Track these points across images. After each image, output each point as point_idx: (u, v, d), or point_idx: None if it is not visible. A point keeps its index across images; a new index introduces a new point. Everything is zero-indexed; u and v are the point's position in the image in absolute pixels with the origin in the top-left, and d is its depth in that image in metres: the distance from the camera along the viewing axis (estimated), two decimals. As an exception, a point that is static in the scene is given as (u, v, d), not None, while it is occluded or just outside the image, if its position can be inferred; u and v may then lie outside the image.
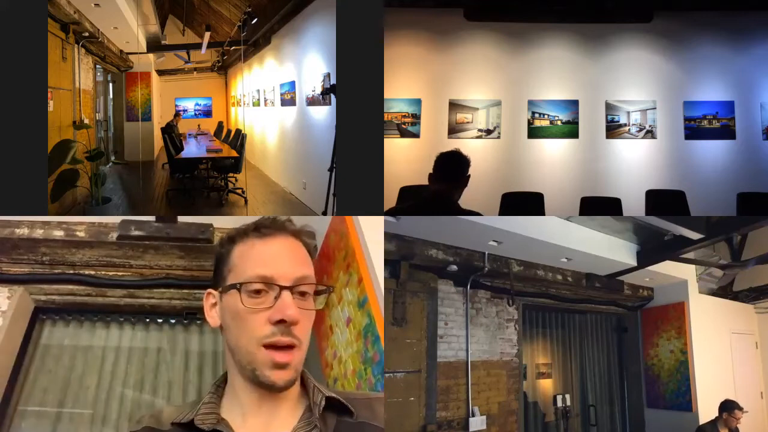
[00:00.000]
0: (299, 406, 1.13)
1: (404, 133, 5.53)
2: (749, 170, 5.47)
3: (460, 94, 5.59)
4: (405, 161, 5.35)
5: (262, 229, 1.14)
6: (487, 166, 5.29)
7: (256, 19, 6.85)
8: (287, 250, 1.13)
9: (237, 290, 1.08)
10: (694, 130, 5.58)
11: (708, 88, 5.60)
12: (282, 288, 1.07)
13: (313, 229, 1.22)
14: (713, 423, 4.26)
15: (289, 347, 1.06)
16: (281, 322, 1.05)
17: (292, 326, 1.06)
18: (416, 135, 5.54)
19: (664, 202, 4.94)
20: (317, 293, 1.13)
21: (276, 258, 1.11)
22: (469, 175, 2.47)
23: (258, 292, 1.08)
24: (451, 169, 2.44)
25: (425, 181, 2.53)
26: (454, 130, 5.55)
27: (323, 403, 1.11)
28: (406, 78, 5.54)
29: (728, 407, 4.21)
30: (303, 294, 1.10)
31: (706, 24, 5.56)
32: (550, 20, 5.54)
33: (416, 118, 5.55)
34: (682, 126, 5.59)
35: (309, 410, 1.11)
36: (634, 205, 5.09)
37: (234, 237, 1.15)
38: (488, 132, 5.55)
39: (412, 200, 3.89)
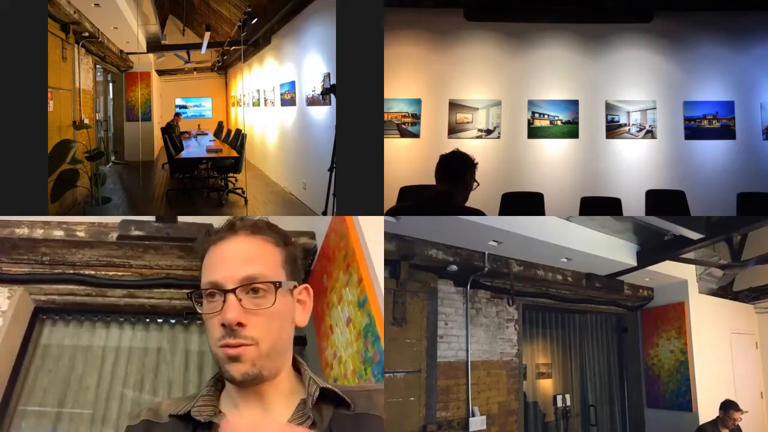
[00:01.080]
0: (294, 398, 1.14)
1: (404, 133, 5.53)
2: (749, 170, 5.47)
3: (460, 94, 5.59)
4: (405, 161, 5.35)
5: (213, 235, 1.17)
6: (487, 166, 5.29)
7: (256, 19, 6.84)
8: (234, 251, 1.14)
9: (197, 297, 1.12)
10: (694, 130, 5.58)
11: (708, 88, 5.60)
12: (226, 292, 1.08)
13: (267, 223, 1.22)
14: (714, 423, 4.27)
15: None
16: (225, 325, 1.08)
17: (241, 327, 1.07)
18: (416, 135, 5.53)
19: (664, 202, 4.94)
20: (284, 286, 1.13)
21: (222, 261, 1.13)
22: (475, 180, 2.46)
23: (213, 296, 1.11)
24: (452, 169, 2.44)
25: (425, 181, 2.54)
26: (454, 130, 5.55)
27: (317, 393, 1.12)
28: (406, 78, 5.54)
29: (725, 407, 4.22)
30: (257, 291, 1.10)
31: (706, 24, 5.56)
32: (550, 20, 5.54)
33: (416, 118, 5.55)
34: (682, 126, 5.59)
35: (304, 402, 1.13)
36: (634, 205, 5.09)
37: (206, 246, 1.18)
38: (488, 132, 5.55)
39: (413, 200, 3.89)
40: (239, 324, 1.07)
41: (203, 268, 1.15)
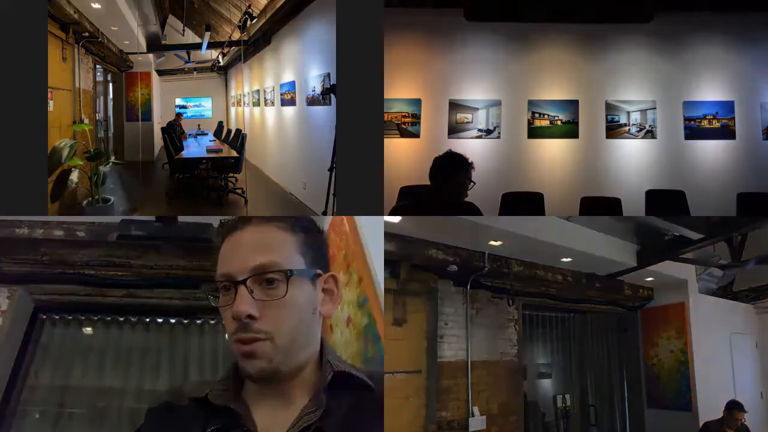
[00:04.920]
0: (316, 386, 1.10)
1: (404, 133, 5.52)
2: (749, 170, 5.45)
3: (460, 94, 5.58)
4: (405, 161, 5.35)
5: (228, 226, 1.13)
6: (487, 166, 5.28)
7: (256, 19, 6.84)
8: (245, 241, 1.09)
9: (211, 291, 1.09)
10: (693, 130, 5.57)
11: (708, 88, 5.58)
12: (237, 283, 1.05)
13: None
14: (719, 422, 4.27)
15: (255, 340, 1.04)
16: (237, 318, 1.04)
17: (253, 320, 1.03)
18: (416, 135, 5.53)
19: (664, 202, 4.93)
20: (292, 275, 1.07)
21: (233, 252, 1.09)
22: (472, 180, 2.48)
23: (227, 288, 1.07)
24: (444, 168, 2.48)
25: (425, 181, 2.55)
26: (454, 130, 5.55)
27: (329, 377, 1.07)
28: (406, 78, 5.53)
29: (730, 407, 4.22)
30: (271, 281, 1.06)
31: (706, 24, 5.54)
32: (550, 20, 5.53)
33: (416, 118, 5.54)
34: (682, 126, 5.57)
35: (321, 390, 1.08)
36: (634, 205, 5.08)
37: (221, 237, 1.14)
38: (488, 132, 5.55)
39: (410, 200, 3.90)
40: (250, 317, 1.03)
41: (218, 260, 1.11)
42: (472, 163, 2.49)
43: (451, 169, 2.46)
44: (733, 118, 5.55)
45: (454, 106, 5.57)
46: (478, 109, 5.56)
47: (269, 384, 1.08)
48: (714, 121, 5.55)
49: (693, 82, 5.58)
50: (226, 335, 1.10)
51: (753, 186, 5.17)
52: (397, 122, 5.49)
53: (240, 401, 1.08)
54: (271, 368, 1.05)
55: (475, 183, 2.49)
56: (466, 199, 2.54)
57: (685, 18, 5.54)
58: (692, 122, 5.57)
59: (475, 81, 5.59)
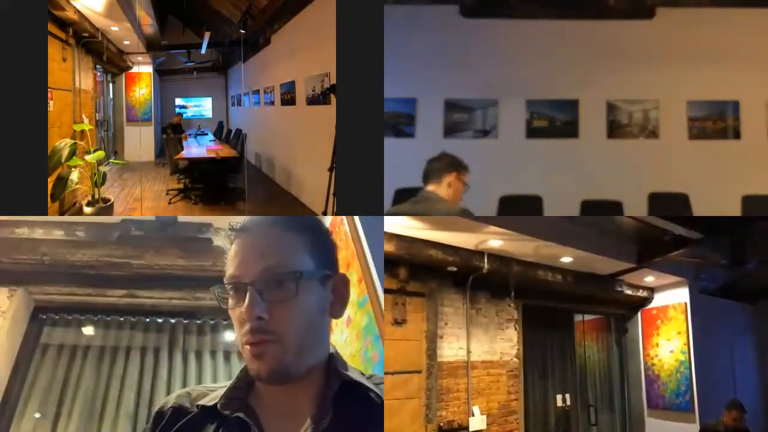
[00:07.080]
0: (323, 394, 1.10)
1: (399, 134, 5.46)
2: (754, 171, 5.38)
3: (456, 94, 5.51)
4: (400, 162, 5.29)
5: (238, 229, 1.12)
6: (484, 168, 5.23)
7: (255, 19, 6.84)
8: (256, 243, 1.09)
9: (221, 293, 1.09)
10: (697, 130, 5.51)
11: (712, 87, 5.52)
12: (246, 285, 1.05)
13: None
14: (719, 422, 4.27)
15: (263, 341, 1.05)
16: (247, 320, 1.04)
17: (263, 322, 1.03)
18: (411, 135, 5.46)
19: (668, 206, 4.87)
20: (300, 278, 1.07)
21: (241, 254, 1.09)
22: (466, 183, 2.46)
23: (237, 290, 1.07)
24: (437, 170, 2.45)
25: (419, 183, 2.52)
26: (450, 130, 5.49)
27: (336, 386, 1.08)
28: (401, 77, 5.45)
29: (730, 407, 4.22)
30: (281, 283, 1.06)
31: (709, 21, 5.48)
32: (549, 17, 5.48)
33: (411, 118, 5.49)
34: (686, 126, 5.51)
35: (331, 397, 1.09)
36: (636, 208, 5.02)
37: (229, 240, 1.14)
38: (485, 132, 5.50)
39: (407, 200, 3.89)
40: (260, 318, 1.03)
41: (227, 262, 1.10)
42: (466, 166, 2.46)
43: (445, 170, 2.43)
44: (737, 119, 5.49)
45: (450, 105, 5.51)
46: (475, 109, 5.52)
47: (278, 387, 1.08)
48: (718, 121, 5.50)
49: (696, 80, 5.50)
50: (235, 337, 1.09)
51: (757, 188, 5.10)
52: (391, 122, 5.42)
53: (249, 409, 1.09)
54: (280, 369, 1.04)
55: (469, 186, 2.46)
56: (461, 204, 2.51)
57: (687, 15, 5.48)
58: (696, 122, 5.51)
59: (472, 80, 5.50)
